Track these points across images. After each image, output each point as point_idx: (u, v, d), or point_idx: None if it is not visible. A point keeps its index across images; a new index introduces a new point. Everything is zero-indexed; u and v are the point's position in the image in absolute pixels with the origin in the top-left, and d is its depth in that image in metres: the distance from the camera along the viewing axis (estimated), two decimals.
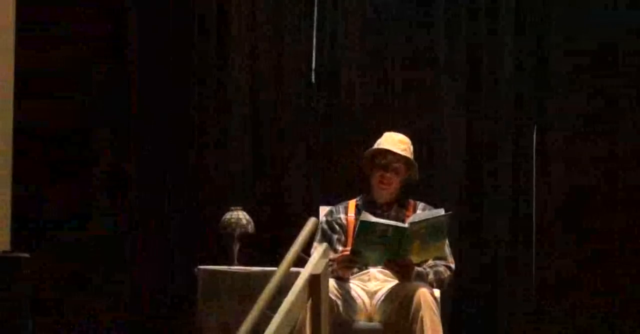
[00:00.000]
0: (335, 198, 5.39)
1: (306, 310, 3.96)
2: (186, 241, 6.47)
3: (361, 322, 4.80)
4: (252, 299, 3.82)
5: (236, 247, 5.61)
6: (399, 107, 6.54)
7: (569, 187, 6.43)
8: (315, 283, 3.89)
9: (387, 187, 5.03)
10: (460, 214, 6.27)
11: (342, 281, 4.80)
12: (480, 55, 6.52)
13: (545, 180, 6.45)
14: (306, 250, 4.48)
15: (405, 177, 5.08)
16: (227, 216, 5.66)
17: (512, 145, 6.47)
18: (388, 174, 5.02)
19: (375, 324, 4.79)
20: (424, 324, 4.55)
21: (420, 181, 5.05)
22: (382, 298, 4.79)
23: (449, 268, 4.94)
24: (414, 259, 4.74)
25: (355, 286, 4.86)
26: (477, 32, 6.54)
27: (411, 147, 5.11)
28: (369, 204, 5.04)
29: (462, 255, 6.12)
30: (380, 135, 5.16)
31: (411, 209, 5.05)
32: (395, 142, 5.06)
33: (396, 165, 5.03)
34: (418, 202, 5.15)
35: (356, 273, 4.90)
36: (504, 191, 6.44)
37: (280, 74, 6.60)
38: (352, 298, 4.79)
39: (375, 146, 5.08)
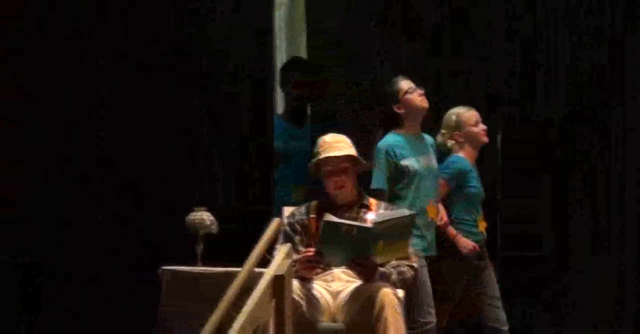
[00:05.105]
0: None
1: (270, 311, 3.96)
2: (152, 242, 6.45)
3: (324, 322, 4.80)
4: (216, 299, 3.83)
5: (200, 248, 5.60)
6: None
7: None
8: (279, 284, 3.89)
9: (343, 189, 5.06)
10: None
11: (305, 281, 4.82)
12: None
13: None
14: (270, 251, 4.48)
15: (356, 170, 5.12)
16: (191, 216, 5.65)
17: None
18: (339, 178, 5.05)
19: (339, 324, 4.80)
20: (387, 324, 4.57)
21: None
22: (346, 298, 4.80)
23: (412, 267, 4.97)
24: (378, 259, 4.76)
25: (319, 286, 4.86)
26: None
27: (349, 141, 5.13)
28: (330, 206, 5.05)
29: None
30: None
31: (373, 209, 5.08)
32: (331, 145, 5.09)
33: (342, 166, 5.06)
34: (380, 202, 5.18)
35: (319, 273, 4.91)
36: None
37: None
38: (315, 298, 4.80)
39: (315, 157, 5.11)
